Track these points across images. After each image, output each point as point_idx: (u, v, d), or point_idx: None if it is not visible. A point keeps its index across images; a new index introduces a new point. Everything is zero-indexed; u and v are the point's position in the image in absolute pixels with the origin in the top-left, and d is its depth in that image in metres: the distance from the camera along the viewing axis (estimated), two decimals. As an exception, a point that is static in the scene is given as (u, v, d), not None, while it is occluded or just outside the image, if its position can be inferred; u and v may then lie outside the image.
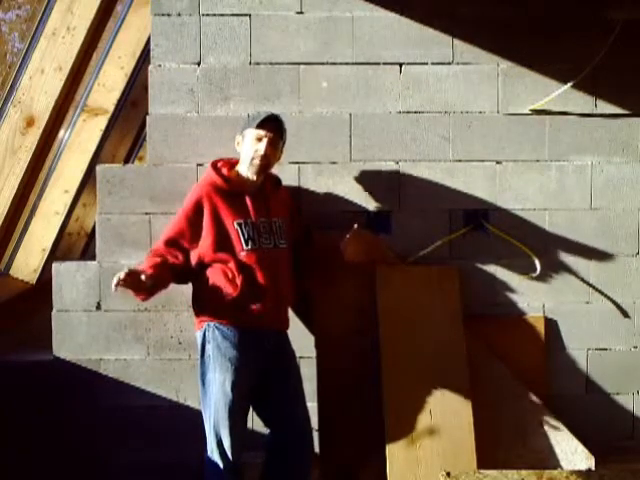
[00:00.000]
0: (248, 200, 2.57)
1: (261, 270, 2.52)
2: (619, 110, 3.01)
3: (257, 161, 2.54)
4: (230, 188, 2.56)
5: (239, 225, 2.53)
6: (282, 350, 2.65)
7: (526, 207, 3.00)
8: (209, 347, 2.50)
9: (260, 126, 2.53)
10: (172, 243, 2.55)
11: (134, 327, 2.94)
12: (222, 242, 2.51)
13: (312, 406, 2.78)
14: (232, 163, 2.64)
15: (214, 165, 2.62)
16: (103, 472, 2.91)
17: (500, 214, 3.00)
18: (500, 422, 2.82)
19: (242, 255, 2.51)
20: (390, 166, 2.98)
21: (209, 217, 2.52)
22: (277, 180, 2.76)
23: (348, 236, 2.69)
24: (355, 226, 2.70)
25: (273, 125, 2.55)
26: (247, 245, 2.53)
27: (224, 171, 2.61)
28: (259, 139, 2.54)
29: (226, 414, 2.45)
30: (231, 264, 2.49)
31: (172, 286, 2.92)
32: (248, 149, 2.56)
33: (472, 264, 2.99)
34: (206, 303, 2.53)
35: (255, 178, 2.58)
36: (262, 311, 2.52)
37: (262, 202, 2.61)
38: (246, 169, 2.58)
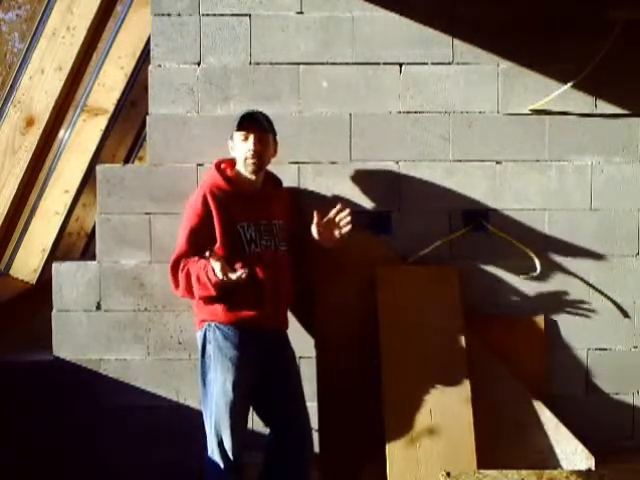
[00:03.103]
0: (250, 202, 2.57)
1: (262, 272, 2.52)
2: (619, 110, 3.00)
3: (250, 161, 2.54)
4: (232, 189, 2.56)
5: (241, 227, 2.53)
6: (282, 350, 2.66)
7: (526, 207, 3.00)
8: (210, 347, 2.50)
9: (241, 127, 2.53)
10: (196, 248, 2.50)
11: (134, 327, 2.94)
12: (224, 244, 2.51)
13: (312, 406, 2.78)
14: (234, 163, 2.64)
15: (217, 166, 2.62)
16: (103, 472, 2.91)
17: (500, 214, 3.00)
18: (500, 422, 2.82)
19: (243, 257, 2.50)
20: (390, 166, 2.98)
21: (213, 217, 2.51)
22: (278, 181, 2.76)
23: None
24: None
25: (254, 123, 2.54)
26: (249, 247, 2.53)
27: (227, 172, 2.61)
28: (245, 139, 2.54)
29: (227, 414, 2.45)
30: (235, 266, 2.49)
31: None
32: (239, 151, 2.57)
33: (472, 264, 2.99)
34: (207, 303, 2.53)
35: (254, 177, 2.58)
36: (262, 311, 2.52)
37: (263, 204, 2.61)
38: (244, 172, 2.58)
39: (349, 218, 2.64)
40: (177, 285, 2.55)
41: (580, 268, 3.01)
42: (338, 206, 2.66)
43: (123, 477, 2.91)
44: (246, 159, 2.54)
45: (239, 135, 2.55)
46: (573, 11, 2.98)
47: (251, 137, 2.53)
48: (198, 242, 2.50)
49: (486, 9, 2.96)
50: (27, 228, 4.24)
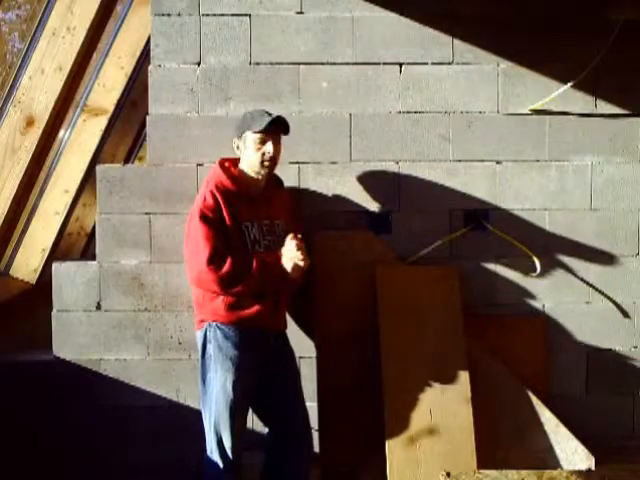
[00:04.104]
0: (252, 201, 2.57)
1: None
2: (619, 110, 3.01)
3: (267, 163, 2.52)
4: (236, 189, 2.54)
5: (245, 227, 2.53)
6: (282, 350, 2.66)
7: (526, 207, 3.00)
8: (210, 347, 2.50)
9: (267, 130, 2.49)
10: (223, 242, 2.46)
11: (134, 327, 2.94)
12: (227, 243, 2.50)
13: (312, 406, 2.78)
14: (237, 163, 2.62)
15: (221, 164, 2.60)
16: (103, 472, 2.91)
17: (500, 214, 3.00)
18: (500, 422, 2.82)
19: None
20: (390, 166, 2.98)
21: (223, 214, 2.50)
22: (279, 181, 2.75)
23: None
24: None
25: (279, 127, 2.54)
26: (252, 247, 2.52)
27: (231, 171, 2.59)
28: (263, 142, 2.51)
29: (227, 413, 2.45)
30: None
31: (171, 286, 2.93)
32: (253, 153, 2.52)
33: (472, 264, 2.99)
34: (207, 303, 2.53)
35: (260, 177, 2.55)
36: (263, 311, 2.52)
37: (265, 204, 2.61)
38: (253, 172, 2.55)
39: (296, 251, 2.49)
40: (218, 280, 2.42)
41: (580, 268, 3.01)
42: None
43: (123, 477, 2.91)
44: (263, 162, 2.52)
45: (257, 137, 2.51)
46: (573, 11, 2.98)
47: (271, 141, 2.52)
48: (222, 237, 2.46)
49: (486, 9, 2.96)
50: (27, 228, 4.23)
